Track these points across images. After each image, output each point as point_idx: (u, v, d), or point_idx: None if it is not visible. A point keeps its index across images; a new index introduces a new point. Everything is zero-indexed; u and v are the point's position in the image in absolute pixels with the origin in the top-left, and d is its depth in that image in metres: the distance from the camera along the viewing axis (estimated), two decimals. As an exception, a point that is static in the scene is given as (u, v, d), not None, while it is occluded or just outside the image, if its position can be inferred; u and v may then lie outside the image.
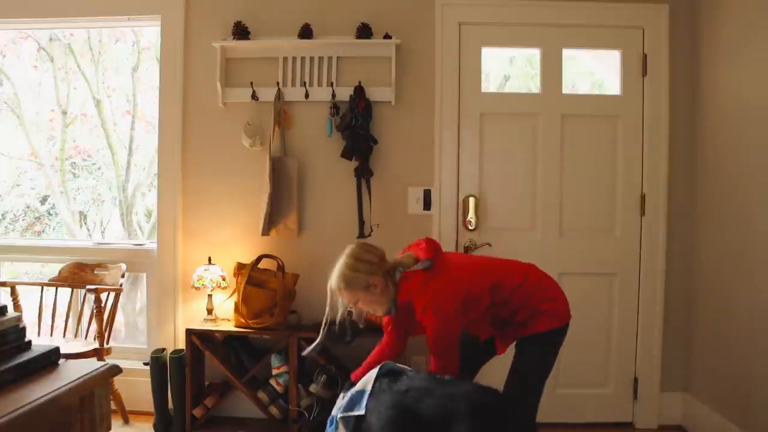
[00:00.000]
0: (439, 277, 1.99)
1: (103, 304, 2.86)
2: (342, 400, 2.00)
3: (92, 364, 1.47)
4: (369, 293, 2.01)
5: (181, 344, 2.96)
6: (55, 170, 4.17)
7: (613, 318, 3.03)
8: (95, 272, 3.11)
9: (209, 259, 2.95)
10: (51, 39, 4.02)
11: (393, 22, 2.97)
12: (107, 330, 2.91)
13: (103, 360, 2.76)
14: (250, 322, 2.79)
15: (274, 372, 2.87)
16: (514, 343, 2.11)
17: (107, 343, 2.89)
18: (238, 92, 3.01)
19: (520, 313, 2.04)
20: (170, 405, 2.90)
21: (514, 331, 2.07)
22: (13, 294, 3.03)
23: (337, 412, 1.97)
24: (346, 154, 2.89)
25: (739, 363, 2.57)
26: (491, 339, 2.18)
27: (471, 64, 3.00)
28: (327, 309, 2.11)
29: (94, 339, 2.90)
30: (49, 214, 4.33)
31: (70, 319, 3.17)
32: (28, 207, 4.30)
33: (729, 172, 2.69)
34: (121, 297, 3.05)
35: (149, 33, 3.89)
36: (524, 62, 3.94)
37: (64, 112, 4.10)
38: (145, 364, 2.91)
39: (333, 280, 2.05)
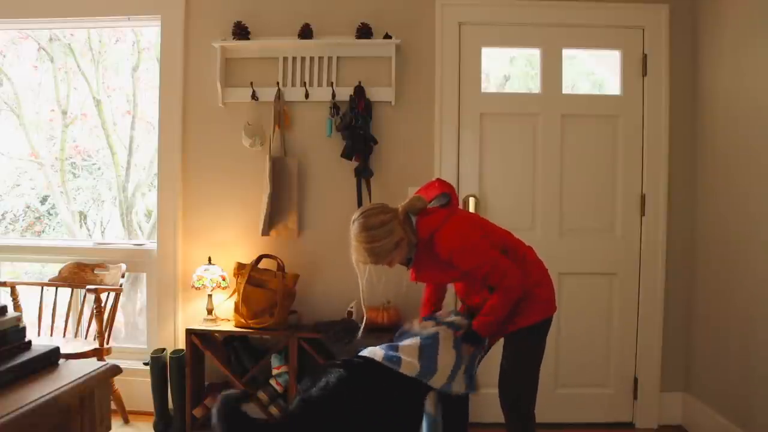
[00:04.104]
0: (457, 213, 1.97)
1: (103, 304, 2.86)
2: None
3: (92, 364, 1.47)
4: (399, 249, 1.94)
5: (181, 344, 2.96)
6: (55, 170, 4.16)
7: (613, 318, 3.03)
8: (95, 272, 3.11)
9: (209, 259, 2.95)
10: (51, 39, 4.01)
11: (393, 22, 2.97)
12: (107, 330, 2.91)
13: (103, 360, 2.76)
14: (250, 322, 2.79)
15: (274, 372, 2.87)
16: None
17: (107, 343, 2.89)
18: (238, 92, 3.01)
19: None
20: (170, 405, 2.90)
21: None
22: (13, 294, 3.02)
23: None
24: (346, 154, 2.89)
25: (739, 363, 2.57)
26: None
27: (471, 64, 3.00)
28: (362, 284, 2.03)
29: (94, 339, 2.90)
30: (49, 214, 4.33)
31: (70, 319, 3.17)
32: (28, 207, 4.30)
33: (729, 172, 2.69)
34: (121, 297, 3.05)
35: (149, 33, 3.88)
36: (524, 62, 3.94)
37: (64, 112, 4.09)
38: (145, 364, 2.91)
39: (360, 257, 1.94)
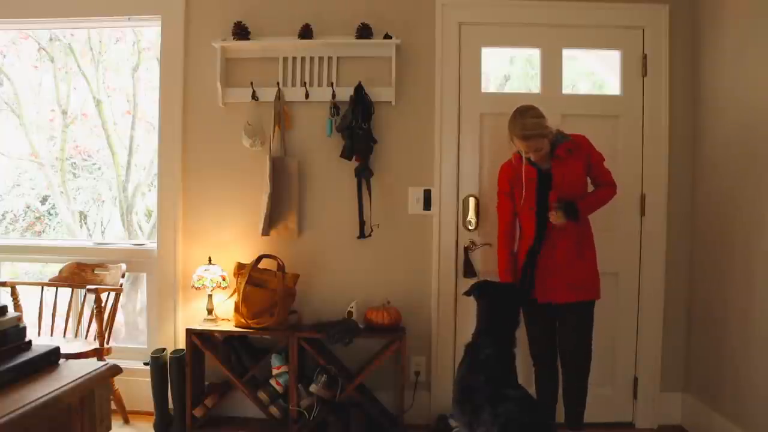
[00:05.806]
0: None
1: (103, 304, 2.86)
2: None
3: (92, 364, 1.47)
4: (545, 139, 2.45)
5: (181, 344, 2.96)
6: (55, 170, 4.17)
7: (613, 318, 3.02)
8: (95, 272, 3.11)
9: (209, 259, 2.95)
10: (51, 39, 4.02)
11: (393, 22, 2.97)
12: (107, 330, 2.91)
13: (103, 360, 2.76)
14: (250, 322, 2.79)
15: (274, 372, 2.87)
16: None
17: (107, 343, 2.89)
18: (238, 92, 3.01)
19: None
20: (170, 405, 2.90)
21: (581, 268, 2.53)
22: (13, 294, 3.03)
23: None
24: (346, 154, 2.89)
25: (739, 363, 2.57)
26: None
27: (471, 64, 3.00)
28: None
29: (94, 339, 2.90)
30: (49, 214, 4.33)
31: (70, 319, 3.17)
32: (28, 207, 4.30)
33: (729, 172, 2.69)
34: (121, 297, 3.05)
35: (149, 33, 3.88)
36: (524, 62, 3.94)
37: (64, 112, 4.10)
38: (145, 364, 2.91)
39: (527, 125, 2.41)
